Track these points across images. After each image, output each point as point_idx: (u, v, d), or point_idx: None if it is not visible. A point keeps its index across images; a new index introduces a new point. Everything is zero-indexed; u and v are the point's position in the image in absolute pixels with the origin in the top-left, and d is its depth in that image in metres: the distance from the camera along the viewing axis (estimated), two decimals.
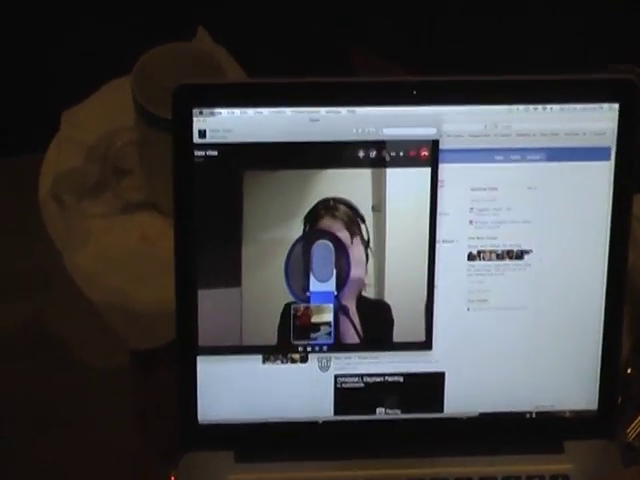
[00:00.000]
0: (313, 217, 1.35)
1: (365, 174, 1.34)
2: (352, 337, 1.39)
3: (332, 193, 1.35)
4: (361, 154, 1.34)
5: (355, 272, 1.37)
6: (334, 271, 1.37)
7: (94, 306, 1.56)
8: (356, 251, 1.37)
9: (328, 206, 1.35)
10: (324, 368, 1.40)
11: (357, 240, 1.36)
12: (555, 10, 2.15)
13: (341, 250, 1.36)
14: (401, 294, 1.38)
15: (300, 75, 1.33)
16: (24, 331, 2.22)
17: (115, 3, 2.25)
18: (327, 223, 1.35)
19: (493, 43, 2.05)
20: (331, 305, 1.38)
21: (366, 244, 1.36)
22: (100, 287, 1.54)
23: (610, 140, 1.35)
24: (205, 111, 1.32)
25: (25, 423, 2.17)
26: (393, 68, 1.71)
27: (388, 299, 1.38)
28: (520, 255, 1.38)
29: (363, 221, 1.36)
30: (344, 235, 1.36)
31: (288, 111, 1.33)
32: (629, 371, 1.50)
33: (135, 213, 1.61)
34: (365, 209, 1.36)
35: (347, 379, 1.40)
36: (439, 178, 1.35)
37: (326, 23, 2.26)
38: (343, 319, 1.38)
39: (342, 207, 1.35)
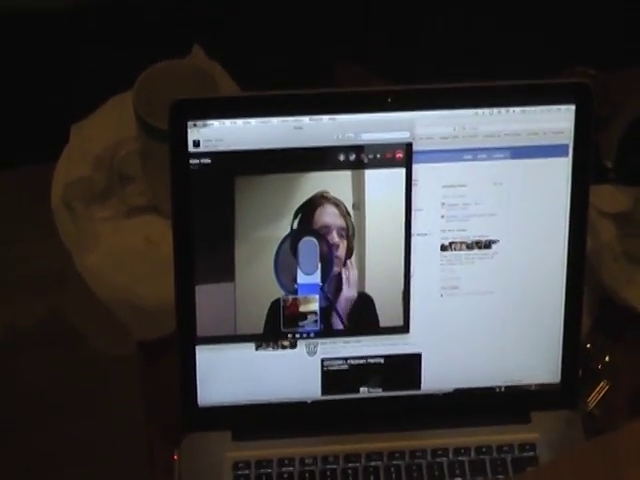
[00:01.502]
0: (301, 215, 1.31)
1: (346, 176, 1.30)
2: (336, 324, 1.35)
3: (317, 192, 1.31)
4: (342, 157, 1.30)
5: (338, 265, 1.33)
6: (319, 265, 1.32)
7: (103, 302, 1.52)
8: (339, 246, 1.32)
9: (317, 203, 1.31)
10: (311, 353, 1.36)
11: (340, 236, 1.32)
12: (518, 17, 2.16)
13: (325, 246, 1.32)
14: (381, 283, 1.34)
15: (286, 87, 1.31)
16: (42, 325, 2.21)
17: (117, 26, 2.25)
18: (317, 218, 1.32)
19: (461, 51, 2.04)
20: (317, 296, 1.34)
21: (348, 239, 1.32)
22: (107, 285, 1.50)
23: (568, 138, 1.32)
24: (198, 123, 1.28)
25: (46, 405, 2.16)
26: (372, 79, 1.68)
27: (369, 288, 1.34)
28: (488, 245, 1.34)
29: (349, 218, 1.31)
30: (331, 230, 1.32)
31: (274, 120, 1.29)
32: (589, 346, 1.45)
33: (139, 216, 1.57)
34: (348, 207, 1.31)
35: (332, 362, 1.37)
36: (413, 177, 1.31)
37: (311, 40, 2.25)
38: (328, 308, 1.34)
39: (332, 203, 1.31)
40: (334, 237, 1.32)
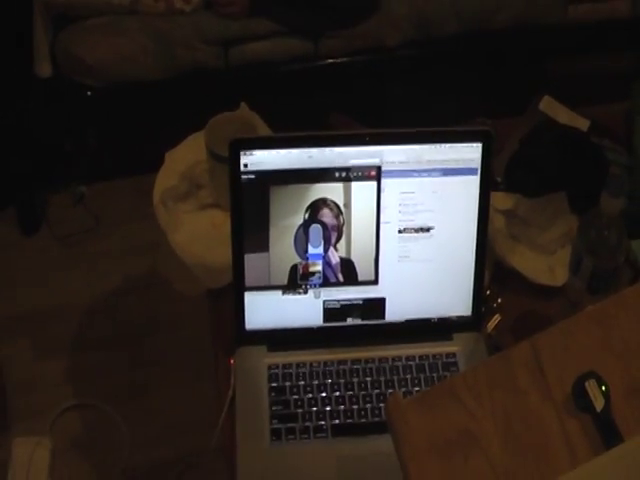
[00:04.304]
0: (310, 210, 1.29)
1: (339, 186, 1.29)
2: (332, 278, 1.33)
3: (321, 196, 1.29)
4: (337, 174, 1.29)
5: (334, 242, 1.31)
6: (322, 242, 1.31)
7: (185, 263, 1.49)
8: (334, 230, 1.31)
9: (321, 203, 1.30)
10: (317, 296, 1.34)
11: (335, 224, 1.30)
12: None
13: (326, 230, 1.30)
14: (360, 253, 1.33)
15: (299, 128, 1.28)
16: (146, 276, 2.19)
17: (194, 90, 2.23)
18: (321, 212, 1.30)
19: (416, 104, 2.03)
20: (320, 261, 1.32)
21: (341, 226, 1.31)
22: (188, 253, 1.47)
23: (477, 164, 1.30)
24: (247, 152, 1.26)
25: (143, 326, 2.14)
26: (355, 124, 1.65)
27: (353, 256, 1.33)
28: (427, 230, 1.33)
29: (341, 212, 1.30)
30: (329, 220, 1.30)
31: (294, 151, 1.27)
32: (488, 292, 1.44)
33: (208, 210, 1.53)
34: (340, 205, 1.30)
35: (330, 302, 1.35)
36: (382, 187, 1.30)
37: (313, 96, 2.23)
38: (327, 269, 1.33)
39: (330, 203, 1.30)
40: (332, 225, 1.30)
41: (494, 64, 2.35)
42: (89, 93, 2.18)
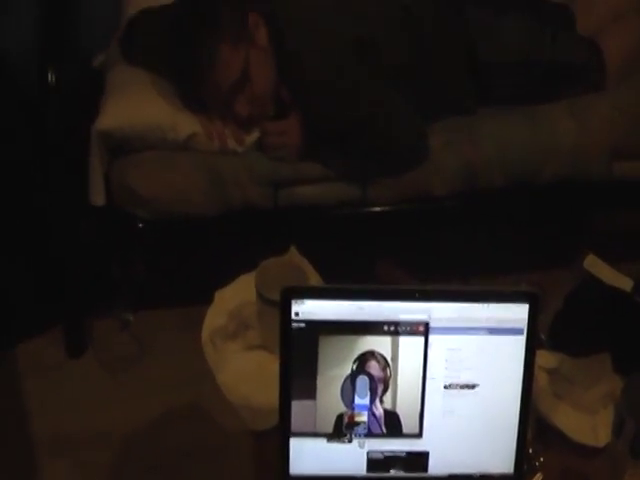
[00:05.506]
0: (358, 362, 1.30)
1: (387, 339, 1.30)
2: (377, 429, 1.33)
3: (369, 349, 1.30)
4: (385, 328, 1.30)
5: (380, 394, 1.32)
6: (368, 393, 1.32)
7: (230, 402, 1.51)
8: (382, 382, 1.32)
9: (369, 355, 1.31)
10: (361, 446, 1.34)
11: (382, 377, 1.31)
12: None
13: (373, 381, 1.31)
14: (405, 406, 1.32)
15: (347, 277, 1.31)
16: (185, 405, 2.20)
17: (244, 229, 2.28)
18: (368, 364, 1.31)
19: (462, 254, 2.06)
20: (366, 412, 1.32)
21: (387, 378, 1.31)
22: (234, 393, 1.50)
23: (523, 324, 1.31)
24: (298, 301, 1.28)
25: (177, 461, 2.13)
26: (404, 277, 1.68)
27: (398, 409, 1.32)
28: (472, 387, 1.33)
29: (388, 365, 1.31)
30: (377, 372, 1.31)
31: (345, 302, 1.29)
32: (530, 451, 1.43)
33: (255, 351, 1.56)
34: (388, 359, 1.31)
35: (374, 453, 1.34)
36: (429, 343, 1.31)
37: (360, 241, 2.27)
38: (372, 420, 1.33)
39: (377, 356, 1.31)
40: (378, 377, 1.31)
41: (539, 217, 2.39)
42: (140, 225, 2.23)
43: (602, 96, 2.39)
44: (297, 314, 1.29)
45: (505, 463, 1.36)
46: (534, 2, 2.49)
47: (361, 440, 1.33)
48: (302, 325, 1.29)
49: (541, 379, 1.47)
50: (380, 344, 1.30)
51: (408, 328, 1.30)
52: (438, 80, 2.31)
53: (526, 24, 2.37)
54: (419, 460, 1.35)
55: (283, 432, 1.33)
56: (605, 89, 2.40)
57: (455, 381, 1.32)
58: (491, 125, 2.32)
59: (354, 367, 1.30)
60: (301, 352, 1.30)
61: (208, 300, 1.66)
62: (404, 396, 1.32)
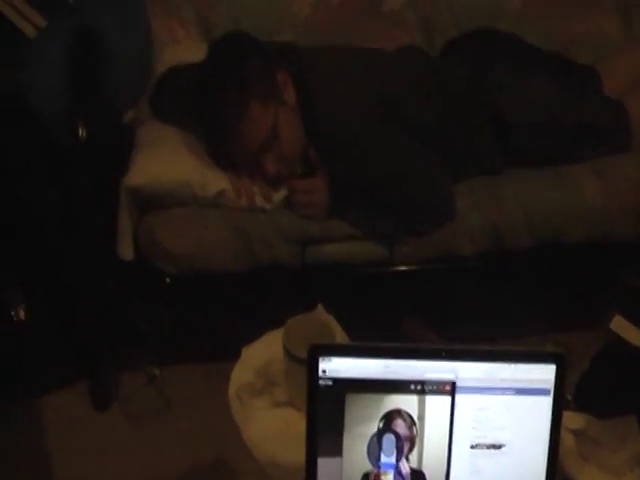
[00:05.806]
0: (385, 420, 1.30)
1: (413, 399, 1.30)
2: None
3: (396, 407, 1.30)
4: (412, 387, 1.30)
5: (406, 452, 1.32)
6: (395, 451, 1.32)
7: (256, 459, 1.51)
8: (407, 441, 1.32)
9: (395, 414, 1.31)
10: None
11: (408, 436, 1.31)
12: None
13: (399, 440, 1.31)
14: (431, 465, 1.32)
15: (374, 334, 1.32)
16: (210, 460, 2.18)
17: (272, 284, 2.28)
18: (395, 423, 1.31)
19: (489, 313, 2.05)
20: (392, 470, 1.32)
21: (414, 437, 1.31)
22: (260, 450, 1.51)
23: (550, 384, 1.31)
24: (325, 358, 1.29)
25: None
26: (431, 335, 1.68)
27: (424, 468, 1.32)
28: (499, 447, 1.32)
29: (414, 424, 1.31)
30: (403, 431, 1.31)
31: (372, 361, 1.29)
32: None
33: (282, 408, 1.57)
34: (414, 417, 1.31)
35: None
36: (455, 402, 1.31)
37: (387, 299, 2.27)
38: (398, 478, 1.32)
39: (404, 415, 1.31)
40: (405, 436, 1.31)
41: (566, 277, 2.39)
42: (168, 279, 2.25)
43: (628, 157, 2.40)
44: (324, 371, 1.29)
45: None
46: (561, 63, 2.52)
47: None
48: (329, 383, 1.30)
49: (567, 440, 1.47)
50: (407, 403, 1.31)
51: (435, 387, 1.30)
52: (465, 141, 2.33)
53: (553, 85, 2.39)
54: None
55: None
56: (630, 150, 2.41)
57: (482, 441, 1.32)
58: (517, 186, 2.33)
59: (380, 425, 1.31)
60: (328, 409, 1.30)
61: (234, 356, 1.68)
62: (430, 455, 1.32)
